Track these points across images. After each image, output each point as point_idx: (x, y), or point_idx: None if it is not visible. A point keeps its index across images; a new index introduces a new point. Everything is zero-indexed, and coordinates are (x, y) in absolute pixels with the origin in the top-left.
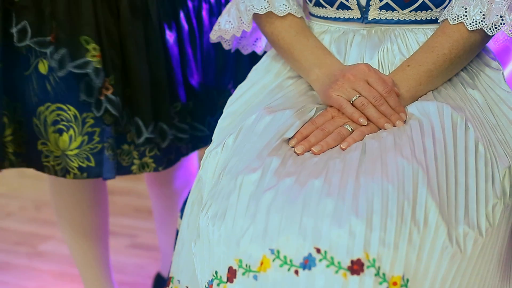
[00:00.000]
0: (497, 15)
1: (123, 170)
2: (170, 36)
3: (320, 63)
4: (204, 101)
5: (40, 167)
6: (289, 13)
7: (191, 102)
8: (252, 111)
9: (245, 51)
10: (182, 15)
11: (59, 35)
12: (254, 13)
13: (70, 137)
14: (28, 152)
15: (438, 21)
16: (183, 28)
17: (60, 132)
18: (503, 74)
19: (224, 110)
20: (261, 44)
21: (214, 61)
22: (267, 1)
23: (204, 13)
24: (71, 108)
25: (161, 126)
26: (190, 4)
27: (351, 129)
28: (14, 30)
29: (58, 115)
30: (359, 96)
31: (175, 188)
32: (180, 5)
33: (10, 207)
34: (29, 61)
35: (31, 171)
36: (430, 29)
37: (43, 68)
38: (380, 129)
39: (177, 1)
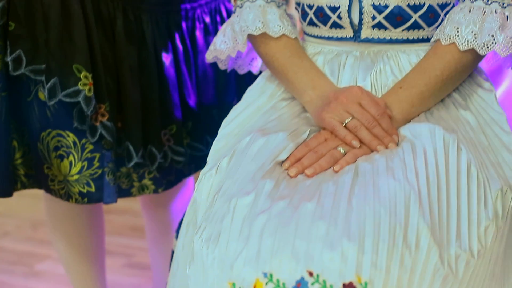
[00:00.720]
0: (489, 35)
1: (123, 192)
2: (166, 58)
3: (314, 85)
4: (203, 121)
5: (48, 190)
6: (283, 34)
7: (190, 122)
8: (246, 133)
9: (241, 71)
10: (177, 36)
11: (51, 64)
12: (249, 33)
13: (70, 163)
14: (37, 174)
15: (430, 41)
16: (178, 49)
17: (61, 158)
18: (495, 95)
19: (219, 131)
20: (257, 64)
21: (213, 79)
22: (262, 22)
23: (198, 33)
24: (70, 134)
25: (151, 150)
26: (183, 25)
27: (344, 152)
28: (9, 59)
29: (59, 141)
30: (352, 119)
31: (170, 210)
32: (174, 26)
33: (7, 226)
34: (29, 88)
35: (27, 190)
36: (422, 49)
37: (42, 95)
38: (373, 151)
39: (171, 22)
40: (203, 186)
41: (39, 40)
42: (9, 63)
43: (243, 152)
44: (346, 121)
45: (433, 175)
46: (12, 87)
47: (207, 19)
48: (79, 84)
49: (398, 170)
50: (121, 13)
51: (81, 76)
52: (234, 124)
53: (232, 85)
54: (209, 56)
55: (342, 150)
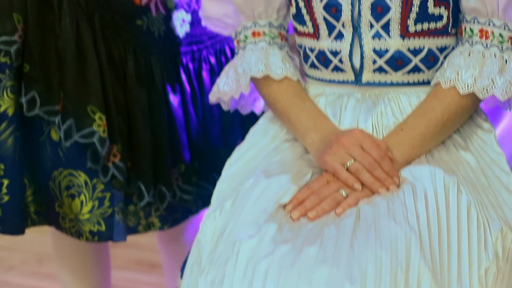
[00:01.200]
0: (488, 79)
1: (129, 230)
2: (174, 99)
3: (316, 127)
4: (209, 160)
5: (59, 227)
6: (285, 76)
7: (197, 161)
8: (249, 174)
9: (244, 111)
10: (184, 77)
11: (66, 106)
12: (251, 76)
13: (82, 202)
14: (48, 212)
15: (431, 84)
16: (186, 90)
17: (72, 197)
18: (494, 136)
19: (223, 172)
20: (260, 104)
21: (219, 120)
22: (264, 64)
23: (205, 74)
24: (82, 174)
25: (161, 189)
26: (190, 66)
27: (346, 194)
28: (23, 100)
29: (70, 180)
30: (353, 162)
31: (184, 242)
32: (182, 68)
33: (12, 260)
34: (42, 128)
35: None
36: (423, 91)
37: (55, 135)
38: (375, 193)
39: (179, 64)
40: (207, 228)
41: (53, 81)
42: (24, 104)
43: (246, 194)
44: (348, 164)
45: (434, 218)
46: (26, 127)
47: (213, 60)
48: (93, 125)
49: (399, 213)
50: (132, 56)
51: (96, 117)
52: (237, 165)
53: (237, 125)
54: (212, 97)
55: (344, 193)
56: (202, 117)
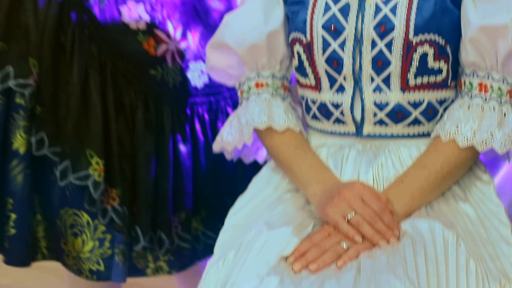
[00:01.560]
0: (487, 132)
1: (138, 272)
2: (184, 148)
3: (317, 179)
4: (217, 210)
5: (64, 264)
6: (288, 127)
7: (204, 210)
8: (252, 225)
9: (247, 160)
10: (198, 127)
11: (65, 148)
12: (254, 127)
13: (83, 241)
14: (56, 248)
15: (431, 136)
16: (199, 140)
17: (75, 235)
18: (493, 187)
19: (226, 222)
20: (263, 153)
21: (231, 169)
22: (267, 116)
23: (220, 124)
24: (84, 214)
25: (160, 235)
26: (206, 117)
27: (347, 247)
28: (33, 139)
29: (74, 219)
30: (354, 214)
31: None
32: (197, 117)
33: None
34: (52, 167)
35: (35, 263)
36: (423, 143)
37: None
38: (375, 245)
39: (194, 113)
40: (210, 278)
41: (60, 125)
42: (33, 143)
43: (248, 245)
44: (349, 217)
45: (433, 271)
46: (37, 166)
47: (230, 111)
48: (89, 169)
49: (399, 267)
50: (142, 104)
51: (93, 161)
52: (240, 215)
53: (249, 176)
54: (216, 147)
55: (345, 245)
56: (213, 167)
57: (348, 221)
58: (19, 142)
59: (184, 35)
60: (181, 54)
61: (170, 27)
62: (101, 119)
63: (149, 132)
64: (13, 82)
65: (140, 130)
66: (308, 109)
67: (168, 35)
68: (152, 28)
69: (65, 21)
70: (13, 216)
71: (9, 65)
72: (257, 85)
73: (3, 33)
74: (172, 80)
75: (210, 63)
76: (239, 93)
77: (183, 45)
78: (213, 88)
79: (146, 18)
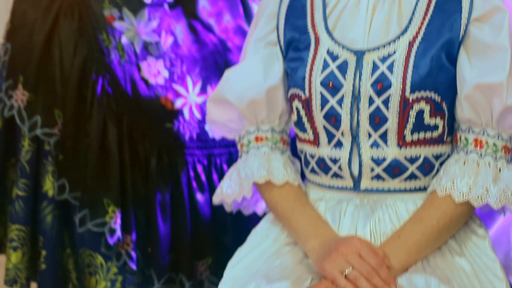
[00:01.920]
0: (483, 187)
1: None
2: (201, 197)
3: (316, 233)
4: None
5: None
6: (287, 181)
7: (223, 256)
8: (251, 278)
9: (246, 212)
10: (215, 177)
11: (84, 197)
12: (254, 181)
13: (96, 281)
14: (81, 281)
15: (427, 191)
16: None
17: (90, 274)
18: (489, 241)
19: (225, 273)
20: (262, 205)
21: (248, 218)
22: (266, 170)
23: None
24: (98, 256)
25: (181, 278)
26: (225, 167)
27: None
28: (55, 184)
29: (90, 260)
30: (352, 269)
31: None
32: (215, 168)
33: None
34: (75, 209)
35: None
36: (419, 197)
37: None
38: None
39: (212, 164)
40: None
41: (80, 172)
42: (55, 188)
43: None
44: (346, 272)
45: None
46: (63, 207)
47: None
48: (106, 217)
49: None
50: (156, 155)
51: (109, 210)
52: (239, 268)
53: None
54: (215, 199)
55: None
56: (233, 216)
57: (345, 276)
58: (48, 186)
59: (203, 89)
60: (200, 107)
61: (189, 81)
62: (118, 170)
63: (163, 181)
64: (40, 131)
65: (153, 179)
66: (306, 163)
67: (187, 90)
68: (170, 83)
69: (87, 74)
70: (44, 252)
71: (37, 115)
72: (256, 139)
73: (33, 85)
74: (189, 132)
75: (210, 117)
76: (239, 146)
77: (202, 99)
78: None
79: (165, 73)
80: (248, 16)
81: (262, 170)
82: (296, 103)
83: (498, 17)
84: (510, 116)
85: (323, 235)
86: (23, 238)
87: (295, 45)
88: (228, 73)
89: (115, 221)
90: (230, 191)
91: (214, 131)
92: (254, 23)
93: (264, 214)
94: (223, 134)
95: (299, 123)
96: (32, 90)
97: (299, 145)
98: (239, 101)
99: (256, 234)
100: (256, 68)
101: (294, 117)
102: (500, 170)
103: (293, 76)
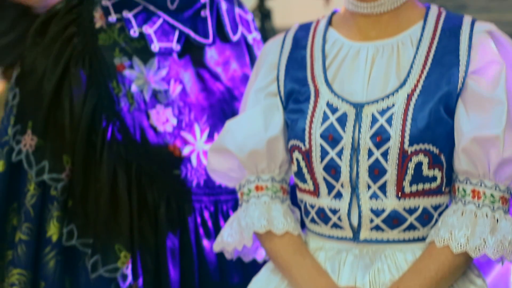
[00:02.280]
0: (480, 238)
1: None
2: (207, 244)
3: (316, 284)
4: None
5: None
6: (287, 231)
7: None
8: None
9: (246, 259)
10: (222, 223)
11: (96, 243)
12: (254, 231)
13: None
14: None
15: (426, 242)
16: None
17: None
18: None
19: None
20: (262, 252)
21: (254, 264)
22: (266, 220)
23: None
24: None
25: None
26: (231, 213)
27: None
28: (64, 230)
29: None
30: None
31: None
32: (221, 214)
33: None
34: (80, 255)
35: None
36: (418, 248)
37: (87, 264)
38: None
39: (219, 210)
40: None
41: (90, 218)
42: (64, 234)
43: None
44: None
45: None
46: (68, 252)
47: None
48: (118, 262)
49: None
50: (164, 202)
51: (121, 255)
52: None
53: None
54: (216, 247)
55: None
56: (239, 260)
57: None
58: (52, 231)
59: (211, 136)
60: (207, 154)
61: (196, 129)
62: (129, 217)
63: (171, 229)
64: (47, 176)
65: (162, 226)
66: (306, 213)
67: (195, 137)
68: (178, 130)
69: (97, 122)
70: None
71: (45, 160)
72: (257, 188)
73: (41, 131)
74: (197, 179)
75: (211, 166)
76: (239, 195)
77: (209, 146)
78: None
79: (174, 121)
80: (254, 65)
81: (262, 220)
82: (296, 155)
83: (495, 70)
84: (507, 168)
85: (322, 286)
86: (24, 282)
87: (295, 96)
88: (229, 124)
89: (127, 266)
90: (230, 239)
91: (215, 180)
92: (255, 73)
93: (265, 262)
94: (224, 183)
95: (299, 174)
96: (41, 135)
97: (299, 195)
98: (240, 151)
99: (257, 282)
100: (257, 119)
101: (294, 167)
102: (497, 220)
103: (293, 128)
